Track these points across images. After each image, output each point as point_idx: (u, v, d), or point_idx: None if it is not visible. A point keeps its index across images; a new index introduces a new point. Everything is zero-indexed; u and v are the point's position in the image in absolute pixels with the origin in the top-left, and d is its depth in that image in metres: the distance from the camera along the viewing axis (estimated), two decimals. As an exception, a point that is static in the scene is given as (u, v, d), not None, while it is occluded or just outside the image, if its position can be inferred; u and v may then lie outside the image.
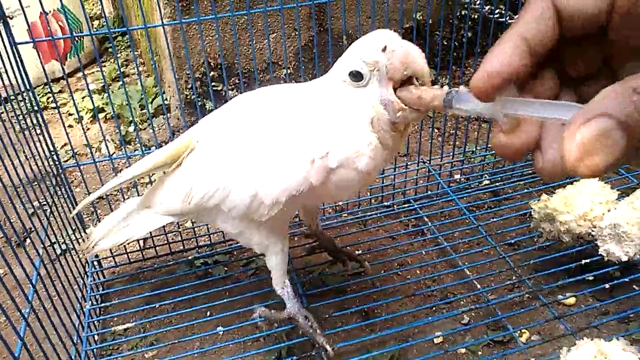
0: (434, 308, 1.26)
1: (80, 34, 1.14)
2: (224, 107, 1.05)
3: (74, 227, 1.29)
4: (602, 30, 0.41)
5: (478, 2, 1.46)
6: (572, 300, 1.24)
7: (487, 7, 1.47)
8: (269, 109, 0.96)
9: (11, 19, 1.08)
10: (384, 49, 0.80)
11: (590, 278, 1.25)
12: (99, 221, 1.45)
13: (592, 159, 0.33)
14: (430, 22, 1.71)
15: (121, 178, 1.06)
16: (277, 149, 0.90)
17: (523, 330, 1.18)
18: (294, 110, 0.93)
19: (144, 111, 2.16)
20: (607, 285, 1.22)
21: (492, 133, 0.44)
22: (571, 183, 1.27)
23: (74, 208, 1.32)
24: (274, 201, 0.90)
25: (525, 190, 1.58)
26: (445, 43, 2.07)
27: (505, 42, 0.41)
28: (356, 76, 0.83)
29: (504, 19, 1.44)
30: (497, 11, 1.48)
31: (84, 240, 1.26)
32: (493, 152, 1.65)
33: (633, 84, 0.33)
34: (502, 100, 0.41)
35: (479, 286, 1.27)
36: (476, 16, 1.50)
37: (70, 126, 2.18)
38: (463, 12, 1.99)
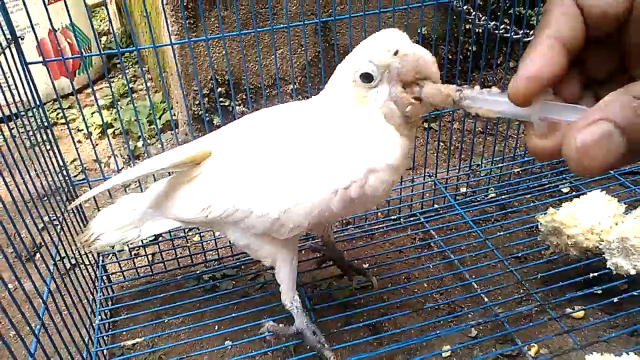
0: (441, 322, 1.26)
1: (90, 54, 1.16)
2: (241, 121, 1.06)
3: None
4: (620, 32, 0.41)
5: (483, 17, 1.47)
6: (580, 313, 1.24)
7: (492, 23, 1.48)
8: (287, 129, 0.97)
9: (22, 39, 1.10)
10: (396, 53, 0.82)
11: (599, 291, 1.25)
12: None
13: (590, 160, 0.35)
14: (436, 36, 1.72)
15: (133, 173, 1.04)
16: (300, 174, 0.90)
17: (532, 344, 1.17)
18: (312, 128, 0.93)
19: (152, 127, 2.18)
20: (615, 299, 1.21)
21: (527, 137, 0.43)
22: (578, 196, 1.27)
23: (83, 223, 1.33)
24: (296, 225, 0.92)
25: (532, 204, 1.58)
26: (450, 57, 2.08)
27: (540, 45, 0.40)
28: (367, 78, 0.85)
29: (508, 34, 1.45)
30: (502, 27, 1.49)
31: (92, 255, 1.27)
32: (499, 165, 1.65)
33: (634, 91, 0.35)
34: (538, 105, 0.41)
35: (486, 300, 1.26)
36: (481, 30, 1.51)
37: (79, 142, 2.20)
38: (468, 27, 2.00)
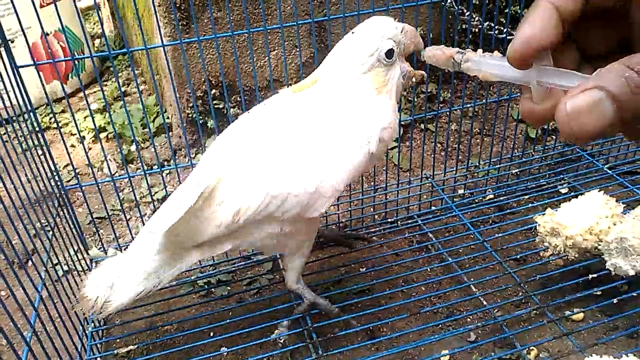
0: (440, 326, 1.25)
1: (81, 57, 1.14)
2: (237, 127, 1.06)
3: (76, 248, 1.28)
4: (622, 8, 0.42)
5: (477, 18, 1.46)
6: (580, 315, 1.23)
7: (486, 23, 1.47)
8: (300, 118, 1.01)
9: (12, 42, 1.08)
10: (402, 30, 0.98)
11: (598, 293, 1.24)
12: (102, 242, 1.46)
13: (579, 126, 0.37)
14: (432, 36, 1.71)
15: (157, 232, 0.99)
16: (329, 147, 0.98)
17: (531, 348, 1.16)
18: (327, 110, 1.00)
19: (145, 130, 2.16)
20: (615, 300, 1.20)
21: (521, 101, 0.45)
22: (576, 197, 1.26)
23: (76, 229, 1.31)
24: (333, 192, 0.98)
25: (530, 205, 1.56)
26: (446, 57, 2.07)
27: (538, 11, 0.42)
28: (390, 55, 0.97)
29: (504, 35, 1.44)
30: (496, 27, 1.48)
31: (85, 261, 1.25)
32: (497, 166, 1.64)
33: (627, 62, 0.37)
34: (537, 69, 0.42)
35: (485, 303, 1.25)
36: (477, 30, 1.50)
37: (72, 146, 2.18)
38: (464, 26, 1.99)
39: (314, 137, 0.98)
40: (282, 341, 1.18)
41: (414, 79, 1.04)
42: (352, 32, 1.02)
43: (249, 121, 1.05)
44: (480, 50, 0.50)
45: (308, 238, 1.13)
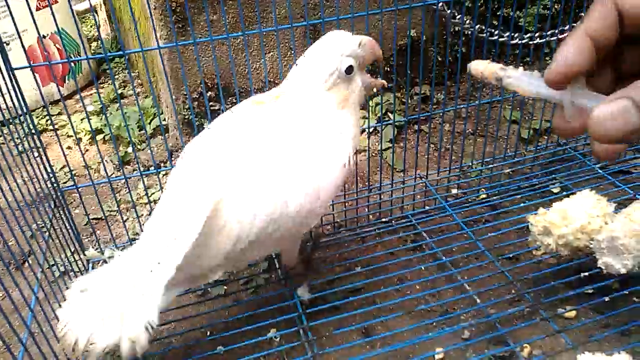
0: (434, 324, 1.26)
1: (77, 59, 1.15)
2: (212, 139, 1.05)
3: (72, 249, 1.29)
4: None
5: (468, 21, 1.48)
6: (572, 313, 1.24)
7: (477, 26, 1.48)
8: (279, 137, 1.02)
9: (7, 44, 1.09)
10: (360, 44, 1.03)
11: (590, 291, 1.25)
12: (99, 243, 1.46)
13: (607, 129, 0.41)
14: (425, 38, 1.72)
15: (167, 272, 0.94)
16: (318, 164, 1.02)
17: (524, 345, 1.17)
18: (306, 128, 1.03)
19: (142, 132, 2.17)
20: (607, 298, 1.22)
21: (554, 117, 0.51)
22: (567, 196, 1.27)
23: (72, 230, 1.32)
24: (325, 209, 1.06)
25: (522, 204, 1.58)
26: (440, 59, 2.08)
27: (572, 39, 0.47)
28: (349, 71, 1.03)
29: (495, 37, 1.46)
30: (488, 30, 1.50)
31: (82, 262, 1.25)
32: (489, 166, 1.66)
33: None
34: (571, 90, 0.48)
35: (478, 301, 1.26)
36: (470, 32, 1.51)
37: (69, 148, 2.19)
38: (457, 29, 2.01)
39: (297, 154, 1.01)
40: (277, 340, 1.19)
41: (374, 89, 1.11)
42: (312, 48, 1.06)
43: (223, 135, 1.04)
44: (521, 68, 0.55)
45: (294, 240, 1.20)
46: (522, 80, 0.54)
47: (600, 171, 1.63)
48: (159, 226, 1.01)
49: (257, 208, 0.97)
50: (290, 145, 1.01)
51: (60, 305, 1.07)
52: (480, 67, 0.59)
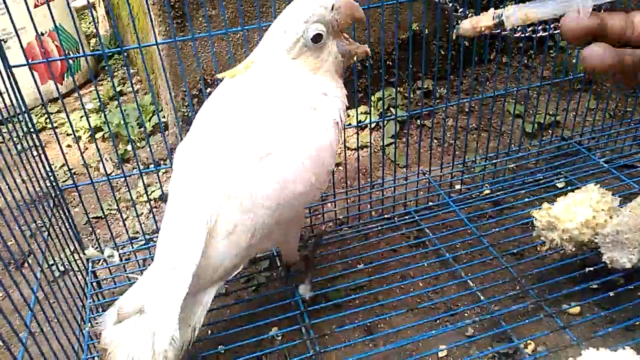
0: (437, 321, 1.25)
1: (74, 56, 1.14)
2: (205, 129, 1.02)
3: (72, 248, 1.28)
4: None
5: (470, 14, 1.46)
6: (577, 309, 1.23)
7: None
8: (261, 116, 0.96)
9: (5, 42, 1.08)
10: (332, 8, 0.93)
11: (595, 286, 1.24)
12: (98, 242, 1.45)
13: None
14: (427, 32, 1.71)
15: (178, 296, 0.93)
16: (307, 140, 0.96)
17: (529, 342, 1.16)
18: (277, 103, 0.96)
19: (141, 129, 2.16)
20: (611, 293, 1.20)
21: (565, 18, 0.50)
22: (572, 191, 1.26)
23: (72, 229, 1.31)
24: (330, 165, 1.00)
25: (527, 199, 1.56)
26: (442, 52, 2.07)
27: None
28: (317, 39, 0.93)
29: (498, 31, 1.44)
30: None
31: (82, 261, 1.24)
32: (493, 161, 1.64)
33: None
34: None
35: (482, 297, 1.25)
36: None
37: (68, 146, 2.18)
38: (459, 22, 1.99)
39: (283, 126, 0.95)
40: (279, 338, 1.18)
41: (355, 57, 1.01)
42: (281, 14, 0.98)
43: (212, 121, 1.02)
44: (511, 5, 0.54)
45: (298, 227, 1.19)
46: (521, 8, 0.52)
47: (605, 165, 1.62)
48: (165, 247, 0.99)
49: (261, 199, 0.93)
50: (274, 120, 0.95)
51: (60, 305, 1.07)
52: (473, 22, 0.57)
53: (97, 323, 1.04)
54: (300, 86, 0.97)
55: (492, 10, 0.53)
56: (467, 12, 1.43)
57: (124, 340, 0.97)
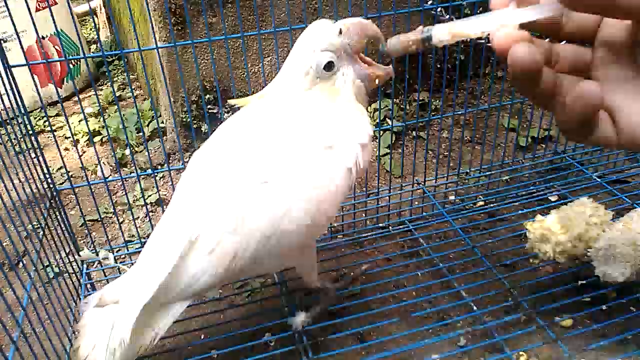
0: (430, 330, 1.25)
1: (75, 57, 1.15)
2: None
3: (67, 250, 1.28)
4: None
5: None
6: (569, 322, 1.23)
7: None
8: (275, 147, 0.94)
9: (5, 42, 1.09)
10: (340, 32, 0.89)
11: (587, 299, 1.25)
12: (94, 244, 1.45)
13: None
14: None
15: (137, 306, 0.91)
16: (318, 172, 0.92)
17: (521, 353, 1.16)
18: (294, 132, 0.94)
19: (139, 134, 2.17)
20: (604, 307, 1.21)
21: (494, 33, 0.47)
22: (565, 204, 1.27)
23: (67, 231, 1.31)
24: (327, 221, 0.97)
25: (520, 211, 1.58)
26: (438, 66, 2.09)
27: None
28: (329, 67, 0.90)
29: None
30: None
31: (77, 263, 1.24)
32: (487, 173, 1.65)
33: None
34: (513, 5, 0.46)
35: (475, 308, 1.26)
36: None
37: (66, 149, 2.18)
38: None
39: (288, 163, 0.92)
40: (272, 344, 1.18)
41: (377, 81, 0.94)
42: (295, 45, 0.96)
43: (229, 138, 1.00)
44: (420, 27, 0.52)
45: (309, 257, 1.14)
46: (450, 25, 0.50)
47: (597, 180, 1.63)
48: (148, 249, 0.99)
49: (249, 224, 0.90)
50: (283, 150, 0.93)
51: (53, 306, 1.07)
52: (401, 38, 0.56)
53: (85, 303, 1.04)
54: (317, 118, 0.93)
55: (420, 27, 0.52)
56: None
57: (95, 327, 0.97)
